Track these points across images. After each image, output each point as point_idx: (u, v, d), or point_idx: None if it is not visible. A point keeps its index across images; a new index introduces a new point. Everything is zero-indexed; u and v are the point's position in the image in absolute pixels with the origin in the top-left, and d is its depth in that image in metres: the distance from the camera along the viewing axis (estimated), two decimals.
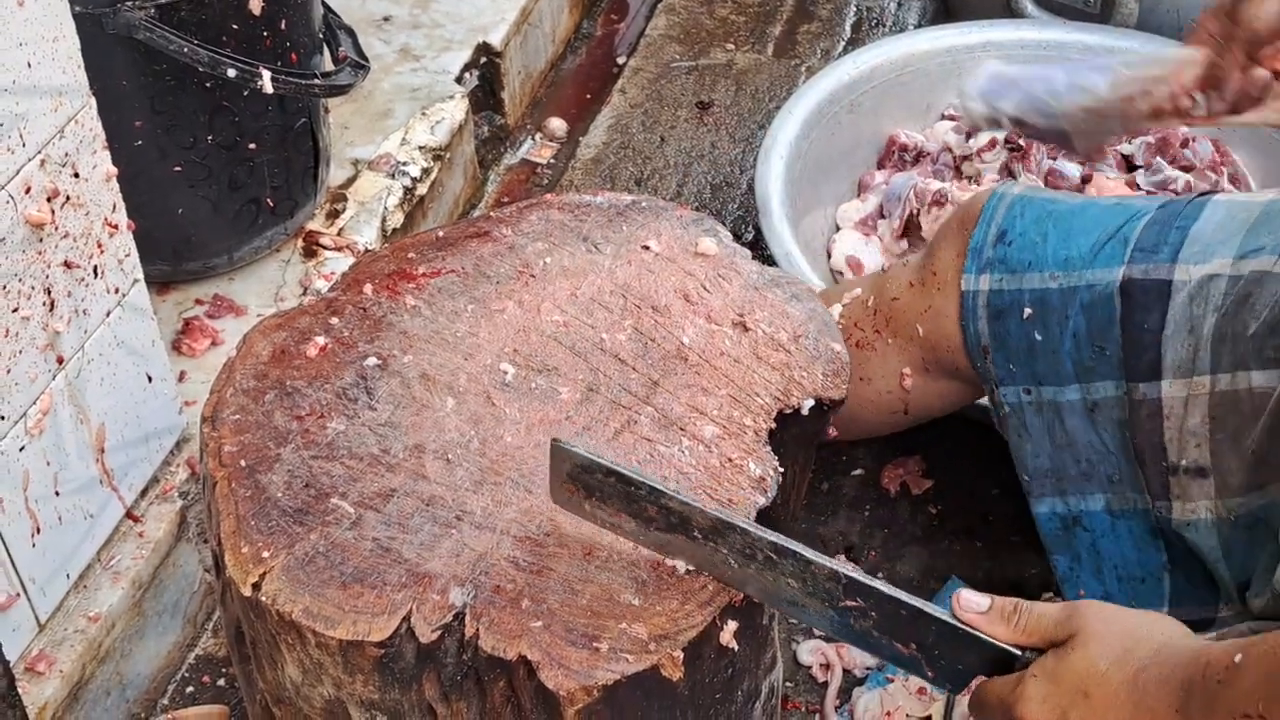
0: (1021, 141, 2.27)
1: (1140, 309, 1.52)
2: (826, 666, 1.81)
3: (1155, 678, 1.08)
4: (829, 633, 1.18)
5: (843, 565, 1.14)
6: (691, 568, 1.17)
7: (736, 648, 1.19)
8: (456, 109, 2.47)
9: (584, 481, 1.16)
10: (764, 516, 1.25)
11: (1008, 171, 2.28)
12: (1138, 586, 1.60)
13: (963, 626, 1.13)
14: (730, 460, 1.28)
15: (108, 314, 1.59)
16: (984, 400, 1.66)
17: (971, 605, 1.14)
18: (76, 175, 1.48)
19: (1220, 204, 1.54)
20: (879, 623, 1.14)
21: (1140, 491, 1.55)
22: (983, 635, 1.13)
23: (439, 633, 1.13)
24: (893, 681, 1.76)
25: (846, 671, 1.81)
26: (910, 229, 2.24)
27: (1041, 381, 1.59)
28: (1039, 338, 1.57)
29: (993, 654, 1.13)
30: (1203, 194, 1.59)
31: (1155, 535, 1.57)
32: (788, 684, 1.81)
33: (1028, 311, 1.56)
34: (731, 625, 1.17)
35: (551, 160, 2.74)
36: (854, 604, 1.13)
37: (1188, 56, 1.56)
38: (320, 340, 1.37)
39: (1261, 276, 1.46)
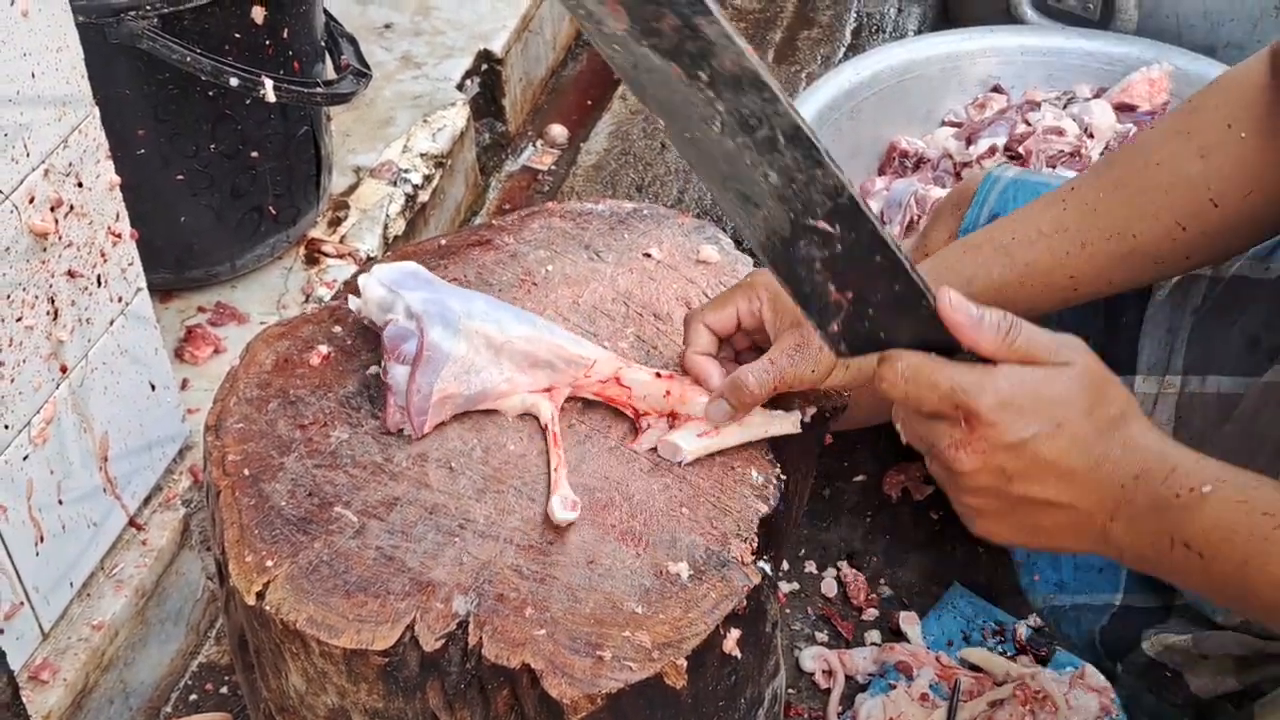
0: (1021, 149, 2.27)
1: (1121, 302, 1.53)
2: (829, 673, 1.82)
3: (1120, 447, 1.04)
4: (760, 248, 1.01)
5: (850, 182, 0.98)
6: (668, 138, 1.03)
7: (740, 655, 1.19)
8: (458, 116, 2.48)
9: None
10: (766, 524, 1.25)
11: None
12: (1095, 576, 1.60)
13: (930, 302, 1.03)
14: (732, 467, 1.28)
15: (111, 323, 1.59)
16: None
17: (961, 305, 1.04)
18: (80, 185, 1.48)
19: None
20: (835, 258, 1.00)
21: None
22: (958, 332, 1.03)
23: (443, 641, 1.13)
24: (895, 688, 1.76)
25: (849, 678, 1.82)
26: (911, 235, 2.24)
27: None
28: None
29: (936, 341, 1.03)
30: None
31: None
32: (790, 691, 1.81)
33: None
34: (734, 633, 1.17)
35: (553, 167, 2.74)
36: (828, 229, 0.99)
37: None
38: (323, 349, 1.37)
39: (1240, 281, 1.47)
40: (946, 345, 1.05)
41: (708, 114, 0.95)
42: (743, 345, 1.34)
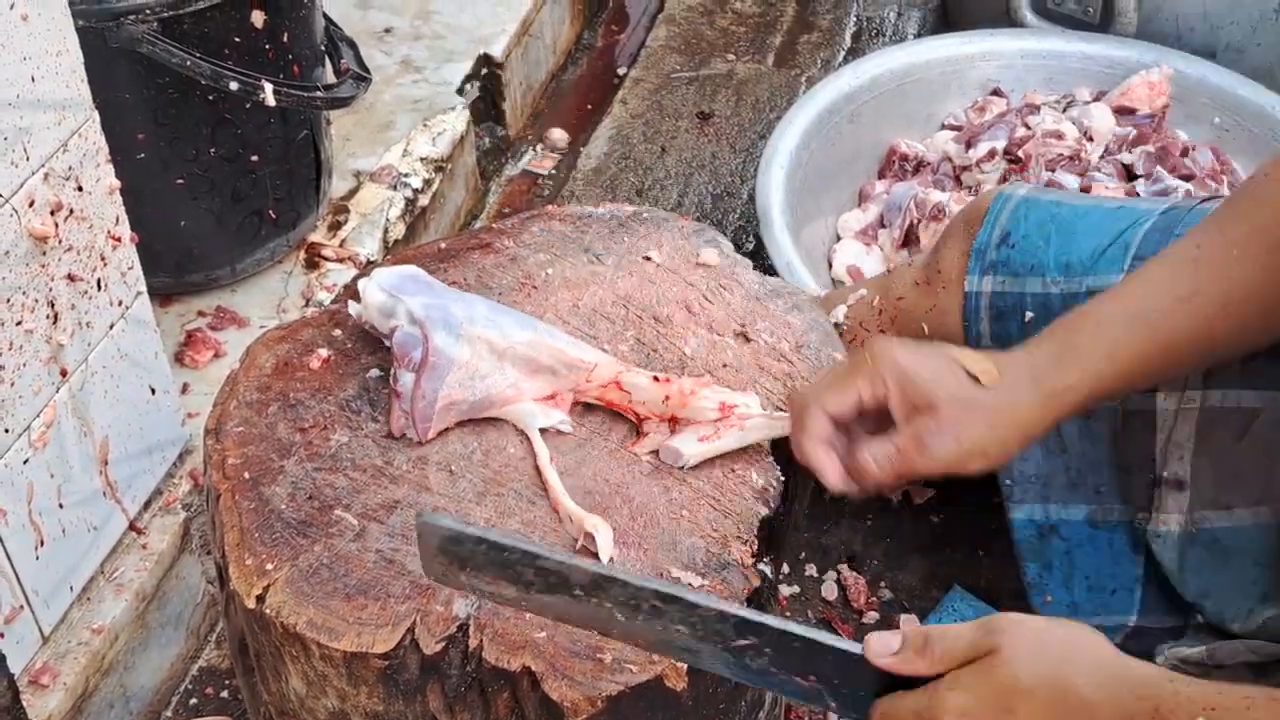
0: (1020, 153, 2.27)
1: None
2: None
3: (1085, 700, 1.02)
4: (728, 675, 1.11)
5: (730, 605, 1.08)
6: (578, 629, 1.12)
7: None
8: (458, 120, 2.48)
9: (455, 553, 1.08)
10: (766, 526, 1.25)
11: (1006, 182, 2.28)
12: (1107, 598, 1.60)
13: (856, 651, 1.07)
14: (733, 470, 1.29)
15: (111, 326, 1.59)
16: None
17: (883, 649, 1.07)
18: (80, 188, 1.48)
19: None
20: (774, 658, 1.08)
21: (1126, 502, 1.55)
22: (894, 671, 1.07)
23: (443, 644, 1.13)
24: None
25: None
26: (911, 239, 2.25)
27: None
28: None
29: (891, 676, 1.08)
30: (1206, 199, 1.59)
31: (1135, 549, 1.56)
32: None
33: (1029, 315, 1.57)
34: None
35: (552, 171, 2.74)
36: (746, 643, 1.08)
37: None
38: (323, 352, 1.37)
39: None
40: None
41: (602, 614, 1.08)
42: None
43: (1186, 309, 1.27)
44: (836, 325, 1.60)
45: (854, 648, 1.07)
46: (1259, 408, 1.46)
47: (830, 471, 1.24)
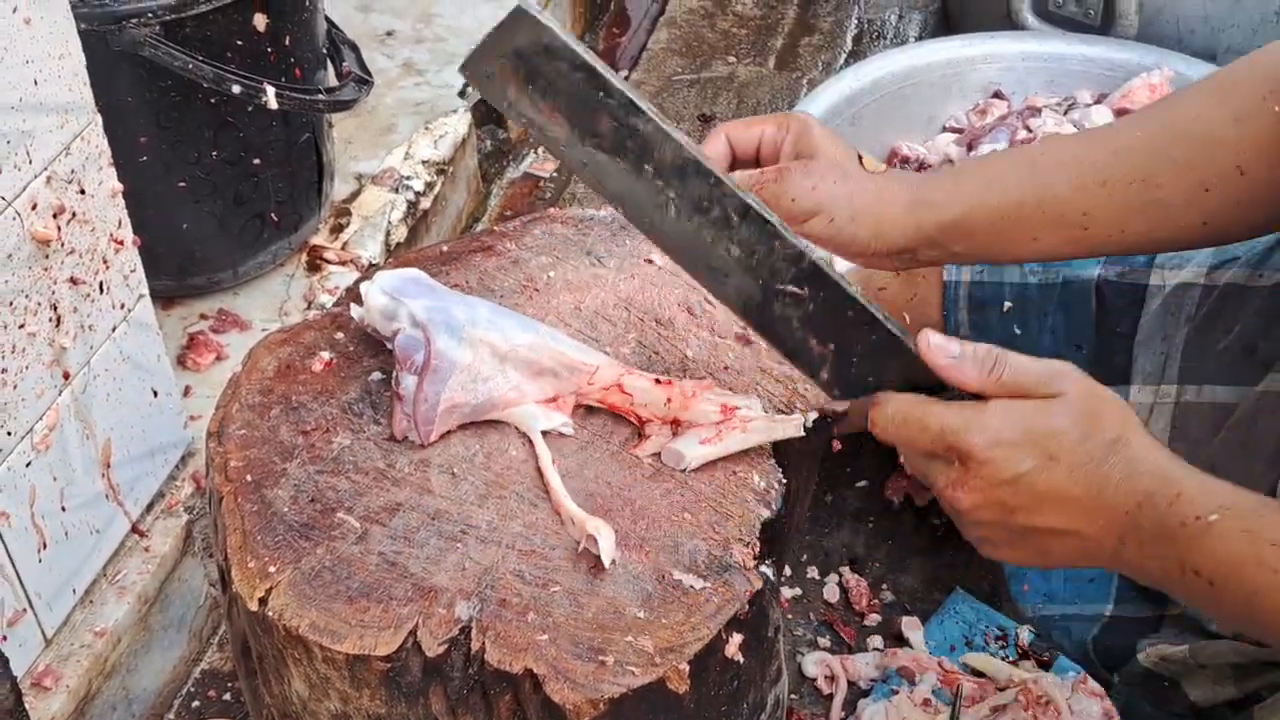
0: None
1: (1115, 312, 1.52)
2: (831, 679, 1.82)
3: (1120, 472, 1.03)
4: (738, 311, 1.07)
5: (811, 248, 1.05)
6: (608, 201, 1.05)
7: (742, 660, 1.19)
8: (459, 123, 2.48)
9: (531, 66, 0.96)
10: (768, 529, 1.25)
11: None
12: (1084, 585, 1.60)
13: (907, 342, 1.05)
14: (734, 473, 1.29)
15: (113, 329, 1.59)
16: None
17: (942, 349, 1.06)
18: (82, 192, 1.49)
19: None
20: (810, 316, 1.05)
21: None
22: (942, 373, 1.06)
23: (445, 647, 1.13)
24: (897, 693, 1.76)
25: (851, 683, 1.82)
26: None
27: None
28: (1019, 331, 1.58)
29: (923, 380, 1.05)
30: None
31: None
32: (793, 696, 1.81)
33: (1008, 305, 1.57)
34: (737, 638, 1.17)
35: (554, 173, 2.75)
36: (797, 291, 1.04)
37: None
38: (325, 355, 1.37)
39: (1232, 290, 1.47)
40: (937, 382, 1.06)
41: (660, 201, 1.02)
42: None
43: (1066, 169, 1.27)
44: None
45: (906, 337, 1.04)
46: (1234, 403, 1.46)
47: (711, 148, 1.30)
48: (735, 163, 1.31)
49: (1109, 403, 1.06)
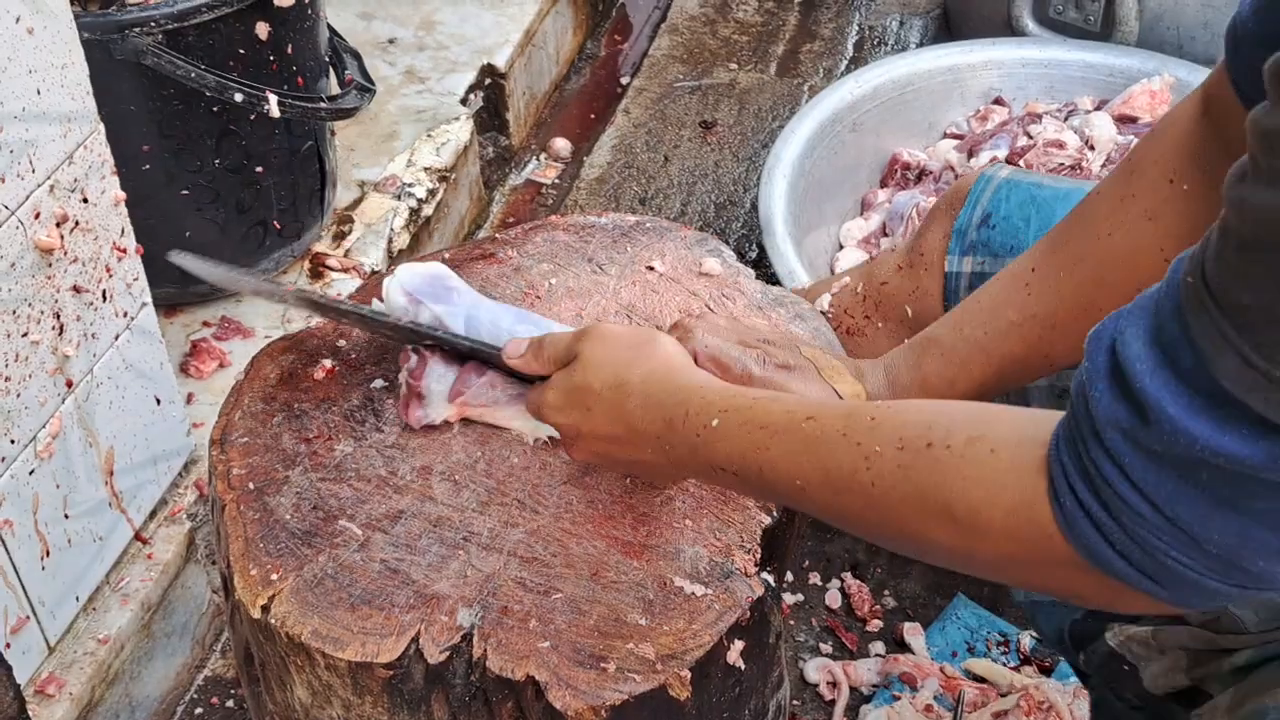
0: (1022, 163, 2.28)
1: None
2: (834, 685, 1.82)
3: (640, 404, 1.14)
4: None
5: (414, 323, 1.30)
6: None
7: (743, 667, 1.19)
8: (461, 130, 2.49)
9: (215, 276, 1.41)
10: (769, 535, 1.26)
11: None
12: None
13: (497, 350, 1.27)
14: None
15: (116, 338, 1.60)
16: None
17: (514, 353, 1.26)
18: (85, 200, 1.49)
19: None
20: (454, 358, 1.29)
21: None
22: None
23: (447, 654, 1.13)
24: (899, 699, 1.76)
25: (853, 689, 1.82)
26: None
27: None
28: None
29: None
30: None
31: None
32: (795, 702, 1.81)
33: None
34: (738, 645, 1.18)
35: (556, 180, 2.75)
36: (429, 346, 1.30)
37: None
38: (327, 363, 1.38)
39: None
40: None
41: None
42: None
43: (1020, 333, 1.34)
44: (822, 313, 1.61)
45: (496, 349, 1.28)
46: None
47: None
48: None
49: (617, 346, 1.19)
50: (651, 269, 1.50)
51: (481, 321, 1.31)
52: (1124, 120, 2.36)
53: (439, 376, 1.30)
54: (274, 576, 1.18)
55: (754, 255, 2.46)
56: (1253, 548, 0.81)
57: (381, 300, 1.36)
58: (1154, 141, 1.31)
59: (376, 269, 2.19)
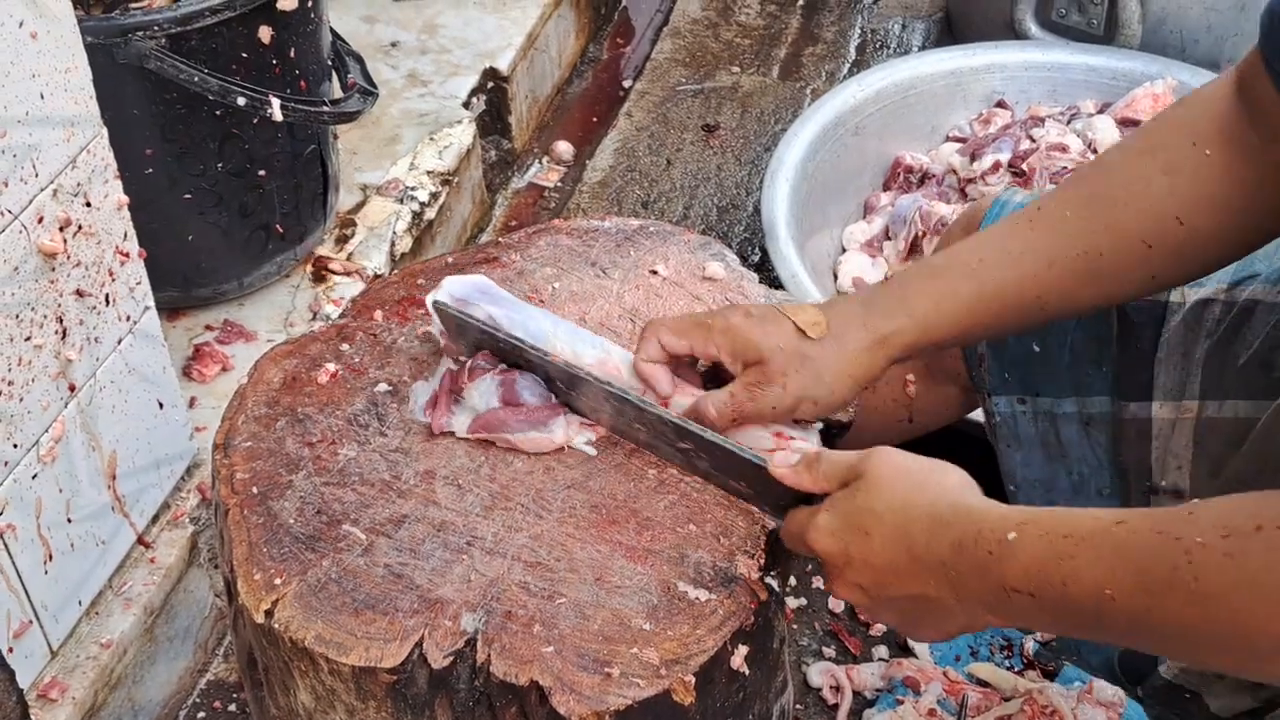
0: (1025, 166, 2.27)
1: (1135, 328, 1.52)
2: (837, 689, 1.82)
3: (926, 529, 1.09)
4: (685, 468, 1.28)
5: (670, 414, 1.25)
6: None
7: (747, 672, 1.19)
8: (464, 134, 2.49)
9: (462, 333, 1.33)
10: (774, 539, 1.25)
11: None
12: None
13: (762, 463, 1.20)
14: None
15: (119, 341, 1.60)
16: (978, 413, 1.67)
17: (782, 462, 1.20)
18: (88, 204, 1.49)
19: None
20: (713, 463, 1.24)
21: (1127, 505, 1.56)
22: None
23: (451, 659, 1.13)
24: (903, 704, 1.76)
25: (857, 694, 1.81)
26: (916, 250, 2.25)
27: (1039, 392, 1.60)
28: (1037, 348, 1.58)
29: (802, 493, 1.20)
30: None
31: None
32: (798, 707, 1.81)
33: None
34: (742, 649, 1.18)
35: (558, 184, 2.75)
36: (686, 445, 1.25)
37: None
38: (331, 367, 1.38)
39: (1254, 305, 1.47)
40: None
41: (577, 401, 1.32)
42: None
43: (1014, 263, 1.28)
44: None
45: (762, 460, 1.21)
46: (1255, 417, 1.45)
47: (659, 381, 1.32)
48: (673, 362, 1.34)
49: (906, 471, 1.13)
50: (655, 273, 1.50)
51: (533, 330, 1.33)
52: (1127, 124, 2.36)
53: (485, 392, 1.31)
54: (278, 581, 1.18)
55: (757, 259, 2.46)
56: None
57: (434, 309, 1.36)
58: (1182, 108, 1.29)
59: (379, 272, 2.19)
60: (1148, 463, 1.52)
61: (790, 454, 1.21)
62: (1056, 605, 1.02)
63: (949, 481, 1.13)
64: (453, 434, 1.31)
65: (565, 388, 1.28)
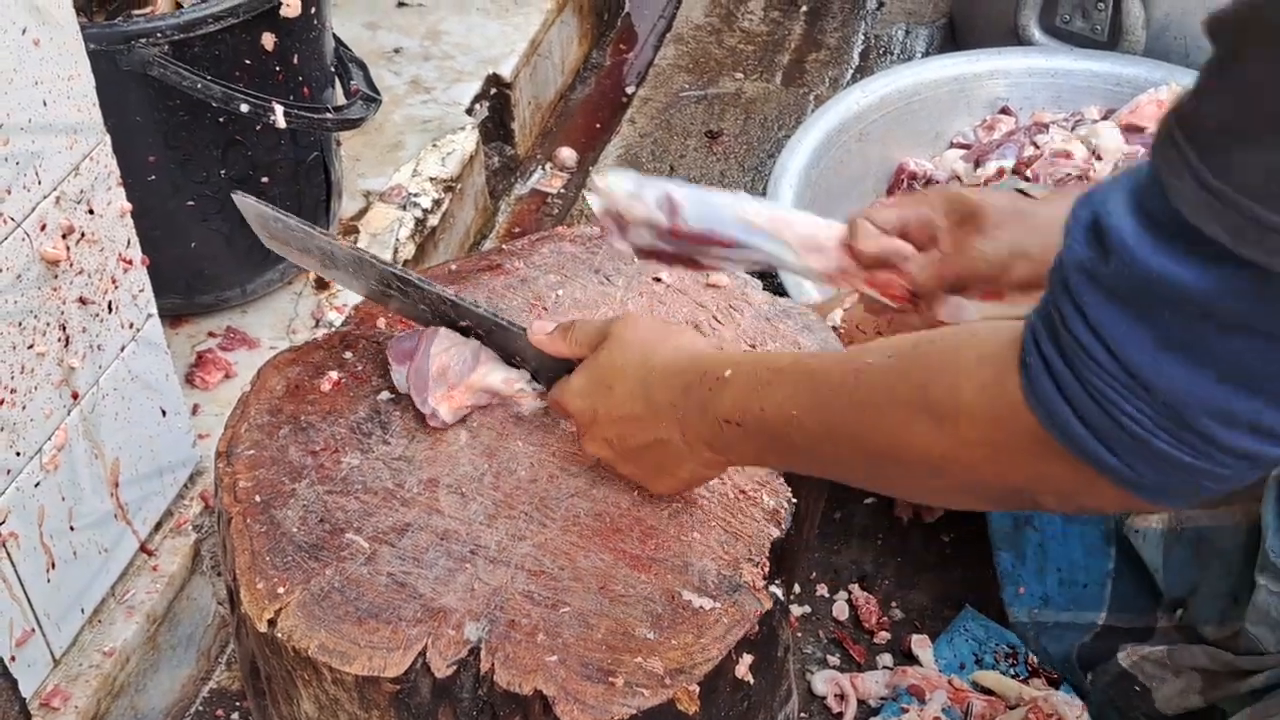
0: (1029, 173, 2.27)
1: None
2: (841, 697, 1.81)
3: (661, 376, 1.17)
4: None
5: (449, 292, 1.33)
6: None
7: (752, 680, 1.19)
8: (467, 140, 2.49)
9: (268, 229, 1.39)
10: (778, 548, 1.25)
11: None
12: (1079, 591, 1.61)
13: (521, 329, 1.29)
14: (744, 492, 1.28)
15: (122, 349, 1.59)
16: None
17: (540, 330, 1.28)
18: (91, 212, 1.49)
19: None
20: (488, 338, 1.33)
21: None
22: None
23: (454, 668, 1.13)
24: (907, 711, 1.76)
25: (861, 702, 1.81)
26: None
27: None
28: None
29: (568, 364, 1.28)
30: None
31: (1107, 541, 1.57)
32: (802, 715, 1.81)
33: None
34: (747, 658, 1.17)
35: (562, 190, 2.75)
36: (465, 324, 1.33)
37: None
38: (334, 375, 1.37)
39: None
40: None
41: (364, 284, 1.40)
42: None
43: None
44: (833, 328, 1.60)
45: (521, 328, 1.30)
46: None
47: (903, 250, 1.28)
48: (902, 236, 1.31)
49: (649, 328, 1.22)
50: (659, 280, 1.50)
51: (705, 207, 1.29)
52: (1131, 130, 2.36)
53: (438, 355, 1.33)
54: (280, 590, 1.18)
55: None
56: (1200, 398, 0.81)
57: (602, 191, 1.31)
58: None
59: None
60: None
61: (546, 323, 1.29)
62: (758, 431, 1.09)
63: (685, 337, 1.22)
64: (440, 416, 1.32)
65: (353, 268, 1.37)
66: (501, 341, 1.32)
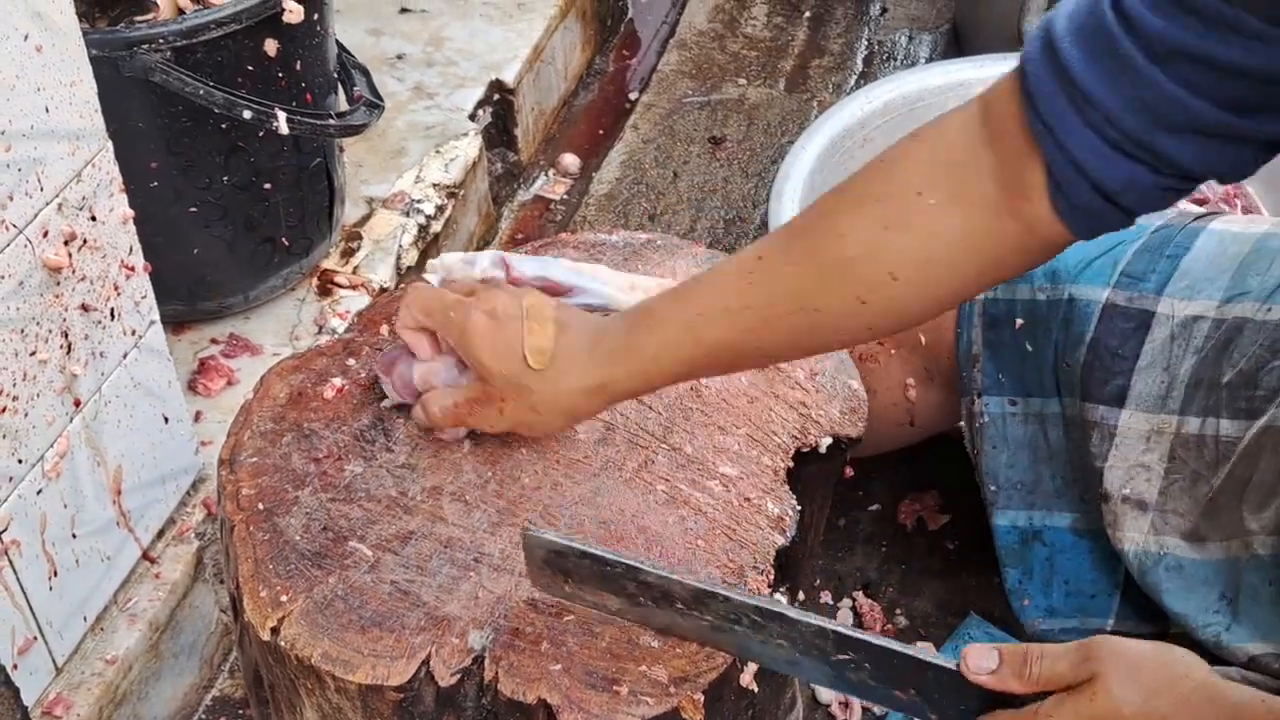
0: None
1: (1117, 335, 1.52)
2: (845, 705, 1.81)
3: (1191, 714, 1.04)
4: (828, 686, 1.18)
5: (829, 621, 1.10)
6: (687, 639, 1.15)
7: (756, 689, 1.18)
8: (470, 146, 2.48)
9: (560, 566, 1.14)
10: (783, 555, 1.25)
11: None
12: (1086, 601, 1.61)
13: (953, 668, 1.08)
14: (748, 500, 1.28)
15: (124, 356, 1.59)
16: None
17: (980, 667, 1.08)
18: (93, 218, 1.49)
19: (1214, 234, 1.55)
20: (874, 673, 1.10)
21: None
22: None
23: (458, 676, 1.12)
24: None
25: (865, 709, 1.80)
26: None
27: (1030, 393, 1.61)
28: (1030, 348, 1.58)
29: (994, 695, 1.08)
30: (1197, 217, 1.59)
31: (1115, 556, 1.57)
32: None
33: (1019, 322, 1.58)
34: (751, 667, 1.17)
35: (565, 196, 2.75)
36: (845, 657, 1.10)
37: None
38: (337, 382, 1.37)
39: (1243, 323, 1.47)
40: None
41: (708, 626, 1.13)
42: None
43: (731, 321, 1.24)
44: None
45: (951, 664, 1.08)
46: (1237, 436, 1.45)
47: (419, 348, 1.31)
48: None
49: (1147, 657, 1.07)
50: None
51: (536, 261, 1.38)
52: None
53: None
54: (284, 598, 1.17)
55: None
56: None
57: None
58: (916, 144, 1.22)
59: (385, 286, 2.19)
60: (1099, 468, 1.52)
61: (984, 651, 1.09)
62: None
63: (1186, 670, 1.07)
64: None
65: (686, 608, 1.13)
66: (896, 673, 1.11)
